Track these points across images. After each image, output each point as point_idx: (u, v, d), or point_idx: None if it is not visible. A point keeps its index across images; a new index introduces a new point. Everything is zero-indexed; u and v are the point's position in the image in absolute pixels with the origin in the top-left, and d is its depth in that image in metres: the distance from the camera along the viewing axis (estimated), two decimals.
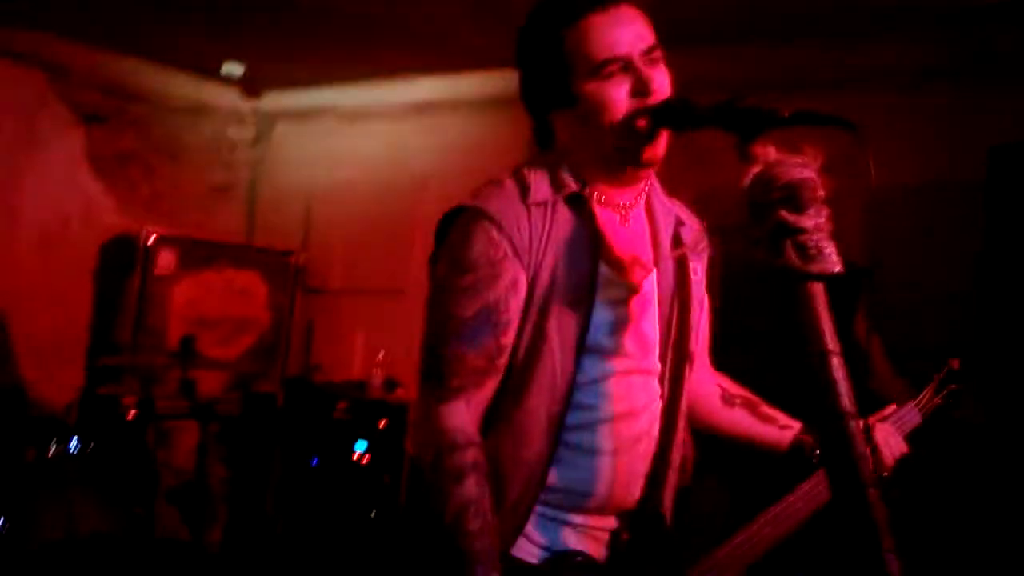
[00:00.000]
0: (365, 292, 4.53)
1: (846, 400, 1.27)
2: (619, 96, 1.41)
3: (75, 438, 2.81)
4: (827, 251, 1.28)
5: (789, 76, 3.51)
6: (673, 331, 1.54)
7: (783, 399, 1.83)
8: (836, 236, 1.27)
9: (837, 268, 1.27)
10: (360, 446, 3.58)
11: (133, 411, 3.53)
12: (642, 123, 1.41)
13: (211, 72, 4.71)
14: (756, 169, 1.31)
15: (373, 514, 3.42)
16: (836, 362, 1.27)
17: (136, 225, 4.50)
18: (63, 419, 2.96)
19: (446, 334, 1.42)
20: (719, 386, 1.73)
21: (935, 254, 3.44)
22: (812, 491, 1.63)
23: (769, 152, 1.31)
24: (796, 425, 1.70)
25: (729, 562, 1.52)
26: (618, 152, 1.44)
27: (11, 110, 4.27)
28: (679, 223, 1.60)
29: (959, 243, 3.31)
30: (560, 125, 1.49)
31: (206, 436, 3.31)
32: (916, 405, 1.82)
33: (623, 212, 1.52)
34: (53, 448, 2.75)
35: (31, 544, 2.64)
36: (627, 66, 1.42)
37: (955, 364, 1.87)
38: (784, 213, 1.27)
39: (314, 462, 3.60)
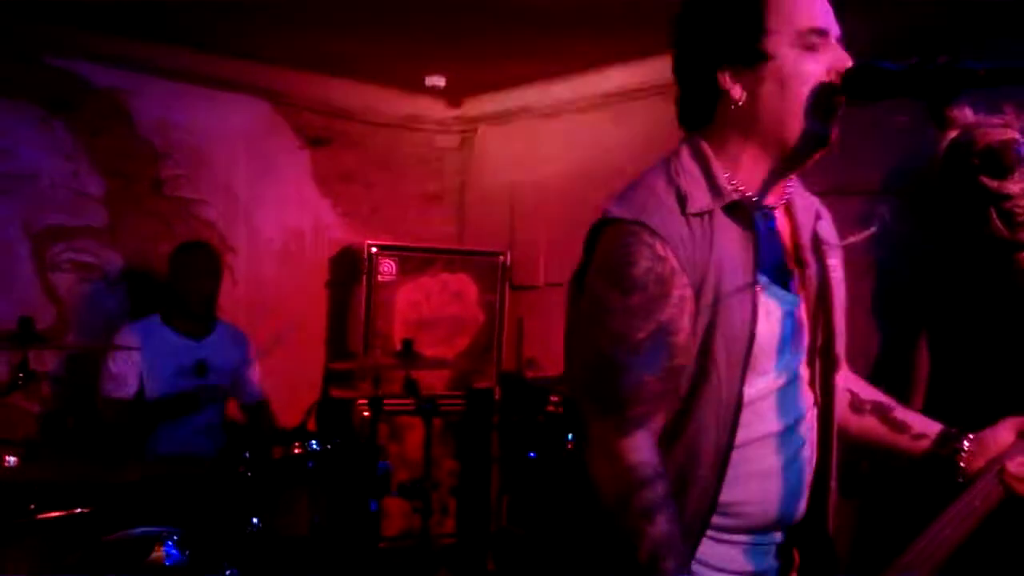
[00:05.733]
0: None
1: None
2: (818, 69, 1.34)
3: (315, 440, 3.07)
4: None
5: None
6: (820, 334, 1.46)
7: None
8: None
9: None
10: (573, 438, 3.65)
11: (365, 411, 3.82)
12: (839, 98, 1.34)
13: (416, 86, 4.96)
14: (953, 134, 1.24)
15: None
16: None
17: (359, 237, 4.83)
18: (303, 423, 3.24)
19: (621, 359, 1.31)
20: (849, 391, 1.61)
21: None
22: (988, 487, 1.47)
23: (966, 115, 1.22)
24: (931, 432, 1.55)
25: (915, 568, 1.41)
26: (803, 130, 1.34)
27: (245, 138, 4.69)
28: (817, 217, 1.50)
29: None
30: (734, 88, 1.36)
31: (431, 432, 3.49)
32: None
33: (771, 212, 1.43)
34: (297, 449, 3.01)
35: (280, 540, 2.89)
36: (827, 43, 1.36)
37: None
38: (986, 179, 1.20)
39: (531, 455, 3.71)
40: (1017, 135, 1.21)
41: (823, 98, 1.34)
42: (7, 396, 3.17)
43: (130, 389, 3.54)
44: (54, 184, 4.13)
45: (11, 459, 2.79)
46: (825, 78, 1.34)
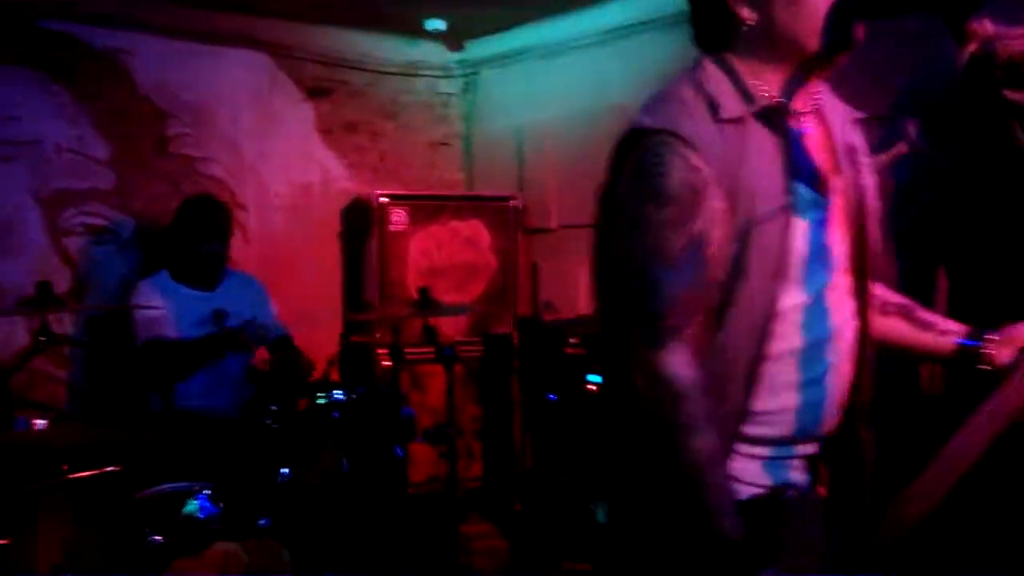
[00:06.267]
0: (582, 226, 4.57)
1: None
2: None
3: (339, 390, 3.09)
4: None
5: None
6: (856, 242, 1.44)
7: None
8: None
9: None
10: (593, 379, 3.66)
11: (386, 360, 3.84)
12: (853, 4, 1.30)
13: (417, 32, 4.88)
14: (972, 47, 1.21)
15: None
16: None
17: (368, 187, 4.80)
18: (326, 374, 3.26)
19: (655, 272, 1.29)
20: (873, 295, 1.57)
21: None
22: (1014, 390, 1.47)
23: (986, 27, 1.20)
24: (957, 329, 1.57)
25: (944, 473, 1.42)
26: (821, 38, 1.31)
27: (247, 93, 4.65)
28: (849, 124, 1.47)
29: None
30: (742, 10, 1.34)
31: (452, 378, 3.51)
32: None
33: (802, 119, 1.40)
34: (322, 399, 3.04)
35: (309, 489, 2.93)
36: None
37: None
38: (1009, 92, 1.17)
39: (552, 397, 3.73)
40: None
41: (840, 2, 1.30)
42: (30, 360, 3.19)
43: (166, 330, 3.53)
44: (59, 149, 4.11)
45: (40, 422, 2.82)
46: None
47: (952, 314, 2.84)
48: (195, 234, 3.69)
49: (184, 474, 2.76)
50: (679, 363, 1.28)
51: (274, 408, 2.91)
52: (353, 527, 3.02)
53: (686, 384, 1.27)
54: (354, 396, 3.08)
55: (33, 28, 4.03)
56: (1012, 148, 1.20)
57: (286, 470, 2.84)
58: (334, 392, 3.07)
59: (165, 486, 2.71)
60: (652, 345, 1.29)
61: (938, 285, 3.03)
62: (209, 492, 2.62)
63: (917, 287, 3.00)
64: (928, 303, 2.94)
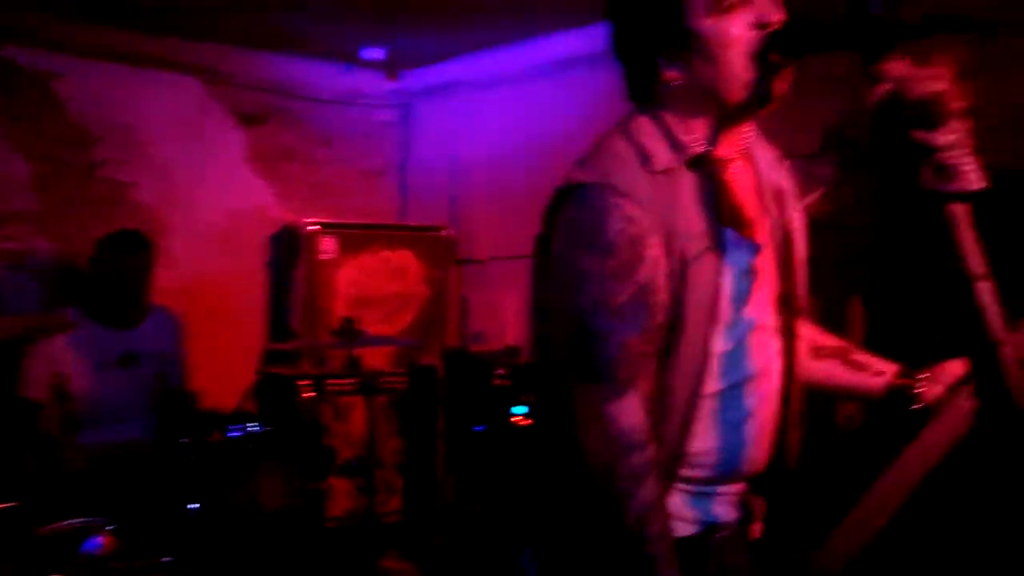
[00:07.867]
0: (513, 258, 4.55)
1: (996, 326, 1.18)
2: (740, 29, 1.32)
3: (254, 421, 3.00)
4: (966, 168, 1.18)
5: None
6: (784, 282, 1.46)
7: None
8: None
9: (976, 186, 1.17)
10: (519, 410, 3.64)
11: (307, 391, 3.76)
12: (775, 56, 1.31)
13: (353, 60, 4.86)
14: (885, 88, 1.22)
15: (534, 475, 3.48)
16: (983, 287, 1.19)
17: (300, 216, 4.73)
18: (242, 404, 3.17)
19: (604, 324, 1.29)
20: (807, 338, 1.61)
21: None
22: (945, 426, 1.48)
23: (899, 67, 1.21)
24: (890, 370, 1.59)
25: (875, 511, 1.41)
26: (745, 92, 1.33)
27: (177, 118, 4.57)
28: (778, 167, 1.51)
29: None
30: (668, 71, 1.37)
31: (373, 410, 3.45)
32: None
33: (730, 165, 1.43)
34: (236, 431, 2.95)
35: (222, 524, 2.84)
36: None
37: None
38: (916, 133, 1.18)
39: (479, 429, 3.69)
40: (947, 86, 1.19)
41: (757, 57, 1.32)
42: None
43: (39, 391, 3.36)
44: None
45: None
46: (751, 35, 1.32)
47: (870, 346, 2.89)
48: (115, 276, 3.50)
49: (87, 509, 2.64)
50: (633, 414, 1.28)
51: (184, 441, 2.81)
52: (268, 563, 2.92)
53: (638, 437, 1.28)
54: (270, 428, 2.99)
55: None
56: (919, 189, 1.22)
57: (195, 505, 2.74)
58: (249, 424, 2.98)
59: (66, 522, 2.59)
60: (607, 396, 1.28)
61: (853, 321, 3.08)
62: (111, 528, 2.51)
63: (832, 319, 3.06)
64: (842, 333, 3.00)
